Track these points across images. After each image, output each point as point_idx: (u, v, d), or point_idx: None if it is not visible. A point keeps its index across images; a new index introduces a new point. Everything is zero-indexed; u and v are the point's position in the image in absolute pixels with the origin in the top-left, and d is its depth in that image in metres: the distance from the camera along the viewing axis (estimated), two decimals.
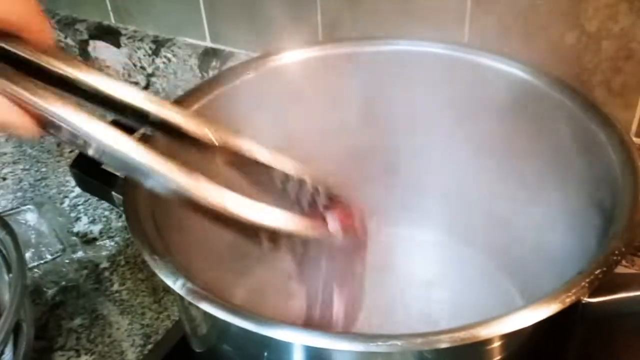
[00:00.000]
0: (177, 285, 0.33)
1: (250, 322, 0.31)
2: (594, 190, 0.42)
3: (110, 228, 0.68)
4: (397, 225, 0.57)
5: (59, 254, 0.60)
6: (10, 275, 0.44)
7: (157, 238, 0.38)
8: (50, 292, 0.60)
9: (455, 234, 0.55)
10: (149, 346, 0.55)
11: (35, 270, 0.59)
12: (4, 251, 0.46)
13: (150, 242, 0.36)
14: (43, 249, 0.60)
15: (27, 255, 0.59)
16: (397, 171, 0.58)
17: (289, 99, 0.55)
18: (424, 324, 0.48)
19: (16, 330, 0.45)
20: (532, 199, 0.50)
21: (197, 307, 0.33)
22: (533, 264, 0.50)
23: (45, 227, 0.62)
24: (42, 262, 0.60)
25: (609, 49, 0.53)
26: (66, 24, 0.89)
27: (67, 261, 0.61)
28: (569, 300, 0.31)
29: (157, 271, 0.34)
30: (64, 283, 0.60)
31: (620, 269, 0.34)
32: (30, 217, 0.64)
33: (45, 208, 0.65)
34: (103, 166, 0.47)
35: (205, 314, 0.33)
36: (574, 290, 0.31)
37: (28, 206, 0.65)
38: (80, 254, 0.62)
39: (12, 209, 0.66)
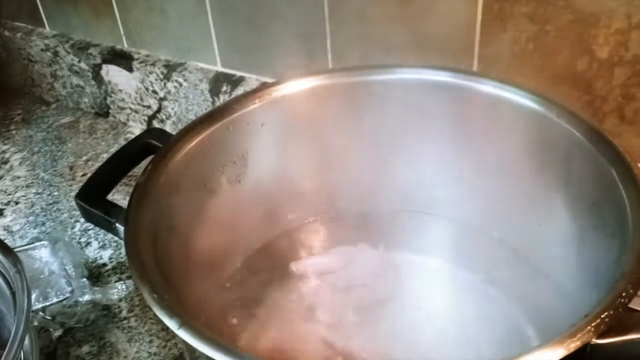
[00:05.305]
0: (174, 325, 0.33)
1: None
2: (605, 224, 0.41)
3: (120, 254, 0.68)
4: (403, 253, 0.56)
5: (66, 297, 0.59)
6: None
7: (157, 273, 0.37)
8: (55, 333, 0.59)
9: (463, 263, 0.54)
10: None
11: (40, 313, 0.58)
12: (14, 288, 0.45)
13: (150, 279, 0.36)
14: (49, 290, 0.58)
15: (34, 295, 0.58)
16: (405, 198, 0.58)
17: (298, 125, 0.55)
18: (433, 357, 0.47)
19: None
20: (543, 229, 0.49)
21: None
22: (545, 295, 0.49)
23: (56, 266, 0.61)
24: (47, 303, 0.58)
25: (621, 76, 0.52)
26: (80, 48, 0.90)
27: (74, 302, 0.60)
28: (574, 345, 0.30)
29: (155, 310, 0.34)
30: (72, 324, 0.60)
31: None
32: (45, 253, 0.62)
33: (59, 245, 0.63)
34: (107, 197, 0.48)
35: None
36: (579, 335, 0.30)
37: (43, 242, 0.63)
38: (87, 297, 0.60)
39: (27, 244, 0.64)
